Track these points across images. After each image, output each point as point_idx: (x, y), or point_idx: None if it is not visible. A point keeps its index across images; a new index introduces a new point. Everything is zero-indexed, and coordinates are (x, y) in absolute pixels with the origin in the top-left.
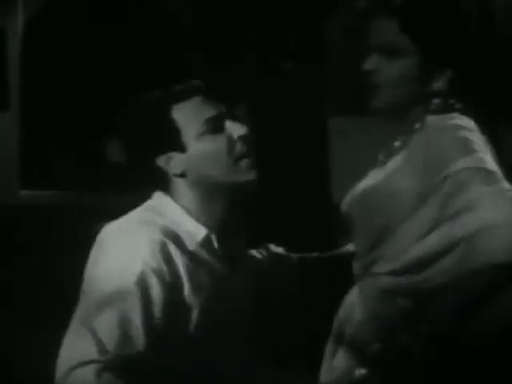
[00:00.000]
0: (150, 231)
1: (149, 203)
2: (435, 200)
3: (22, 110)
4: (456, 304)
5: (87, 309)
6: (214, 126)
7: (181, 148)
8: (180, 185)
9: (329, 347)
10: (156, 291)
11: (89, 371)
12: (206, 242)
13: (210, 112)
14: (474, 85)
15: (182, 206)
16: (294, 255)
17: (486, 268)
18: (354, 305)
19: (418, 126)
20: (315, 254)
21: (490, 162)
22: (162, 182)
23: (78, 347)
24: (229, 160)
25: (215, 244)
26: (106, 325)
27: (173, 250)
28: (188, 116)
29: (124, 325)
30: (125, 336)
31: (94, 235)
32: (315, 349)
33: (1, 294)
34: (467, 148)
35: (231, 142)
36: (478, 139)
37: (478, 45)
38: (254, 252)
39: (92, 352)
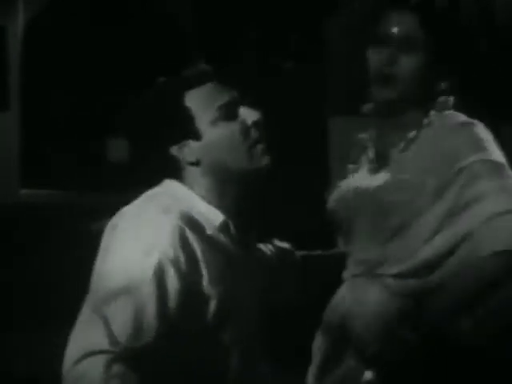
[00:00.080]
0: (170, 218)
1: (160, 190)
2: (450, 193)
3: (22, 110)
4: (456, 302)
5: (100, 296)
6: (228, 113)
7: (196, 136)
8: (193, 172)
9: (319, 344)
10: (173, 282)
11: (98, 361)
12: (224, 227)
13: (223, 98)
14: (474, 84)
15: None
16: (298, 252)
17: (489, 256)
18: (343, 299)
19: (426, 121)
20: (318, 252)
21: (499, 155)
22: (174, 171)
23: (88, 336)
24: (244, 146)
25: (232, 229)
26: (120, 315)
27: (191, 236)
28: (201, 103)
29: (138, 317)
30: (137, 328)
31: (93, 235)
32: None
33: (1, 294)
34: (479, 143)
35: (245, 127)
36: (486, 135)
37: (478, 45)
38: (261, 246)
39: (103, 342)
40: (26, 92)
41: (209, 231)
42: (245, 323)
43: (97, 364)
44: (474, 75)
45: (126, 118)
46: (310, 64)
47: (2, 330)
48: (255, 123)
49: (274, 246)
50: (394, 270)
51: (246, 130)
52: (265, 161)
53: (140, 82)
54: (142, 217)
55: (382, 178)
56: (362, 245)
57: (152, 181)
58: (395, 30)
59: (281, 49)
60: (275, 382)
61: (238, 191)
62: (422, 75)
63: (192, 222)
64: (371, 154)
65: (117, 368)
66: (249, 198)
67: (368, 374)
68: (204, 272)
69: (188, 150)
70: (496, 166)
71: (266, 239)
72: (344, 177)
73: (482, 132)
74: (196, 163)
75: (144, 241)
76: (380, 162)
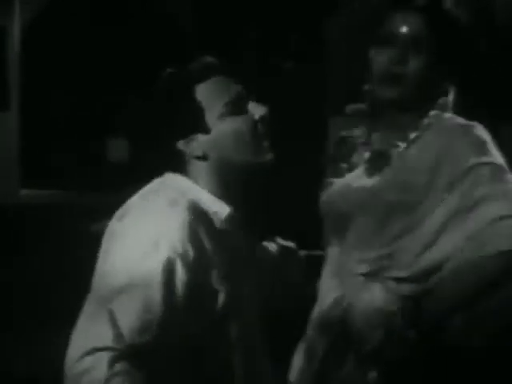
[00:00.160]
0: (177, 211)
1: (165, 182)
2: (456, 193)
3: (22, 110)
4: (455, 301)
5: (107, 290)
6: (236, 107)
7: (205, 130)
8: (198, 167)
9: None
10: (181, 277)
11: (102, 358)
12: (230, 219)
13: (230, 94)
14: (474, 85)
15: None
16: (301, 251)
17: (493, 256)
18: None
19: (426, 122)
20: (318, 252)
21: (500, 158)
22: (177, 166)
23: (92, 333)
24: (252, 141)
25: (238, 222)
26: (127, 309)
27: (199, 229)
28: (209, 97)
29: (145, 311)
30: (145, 322)
31: (93, 235)
32: None
33: (1, 294)
34: (482, 145)
35: (253, 122)
36: (487, 137)
37: (478, 45)
38: (265, 243)
39: (107, 338)
40: (25, 92)
41: (216, 224)
42: (247, 320)
43: (100, 361)
44: (473, 75)
45: (134, 111)
46: (310, 64)
47: (2, 330)
48: (262, 118)
49: (277, 244)
50: (399, 274)
51: (254, 124)
52: (269, 156)
53: (140, 82)
54: (150, 210)
55: (383, 177)
56: (364, 244)
57: (152, 180)
58: (402, 30)
59: (281, 49)
60: (275, 382)
61: (242, 185)
62: (426, 76)
63: (200, 215)
64: (367, 153)
65: (120, 366)
66: (254, 192)
67: (372, 374)
68: (212, 266)
69: (196, 144)
70: (501, 169)
71: (269, 237)
72: (337, 175)
73: (484, 134)
74: (203, 157)
75: (152, 235)
76: (379, 162)
